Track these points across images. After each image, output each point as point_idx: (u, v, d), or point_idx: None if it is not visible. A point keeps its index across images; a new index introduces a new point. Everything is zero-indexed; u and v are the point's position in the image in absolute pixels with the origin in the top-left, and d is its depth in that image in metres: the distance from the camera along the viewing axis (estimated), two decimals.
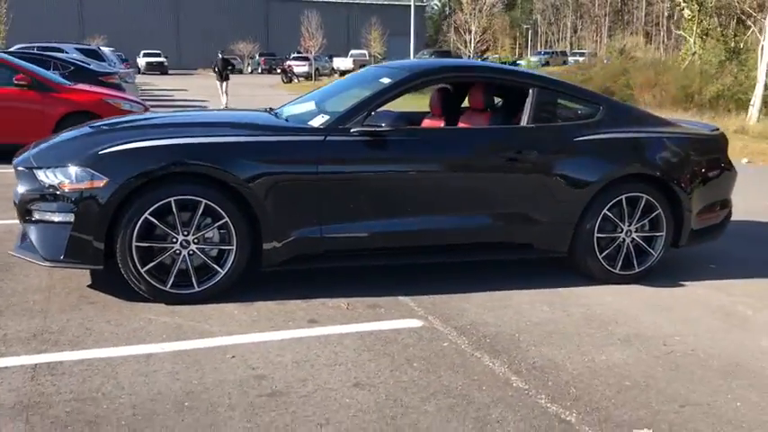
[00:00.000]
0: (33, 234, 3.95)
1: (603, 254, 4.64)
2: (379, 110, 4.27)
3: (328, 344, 3.53)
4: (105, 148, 3.89)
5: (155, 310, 3.88)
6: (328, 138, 4.13)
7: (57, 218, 3.86)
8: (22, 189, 3.98)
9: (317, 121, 4.28)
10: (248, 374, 3.14)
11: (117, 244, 3.84)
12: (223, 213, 3.94)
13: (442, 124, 5.13)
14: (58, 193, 3.85)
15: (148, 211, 3.83)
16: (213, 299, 4.03)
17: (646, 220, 4.73)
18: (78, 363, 3.19)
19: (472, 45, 23.98)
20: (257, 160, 3.97)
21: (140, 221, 3.83)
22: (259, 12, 67.24)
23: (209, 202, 3.91)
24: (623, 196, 4.61)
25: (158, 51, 53.16)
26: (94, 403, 2.81)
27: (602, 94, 5.09)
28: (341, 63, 49.74)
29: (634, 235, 4.71)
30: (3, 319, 3.69)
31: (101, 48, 21.16)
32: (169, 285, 3.95)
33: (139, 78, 38.00)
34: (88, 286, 4.20)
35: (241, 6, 67.24)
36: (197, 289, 3.99)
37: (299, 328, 3.73)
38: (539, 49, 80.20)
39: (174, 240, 3.94)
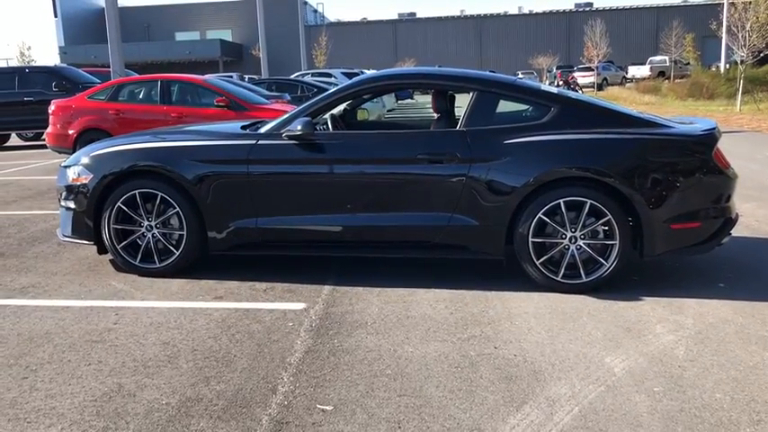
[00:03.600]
0: (60, 216, 5.28)
1: (542, 260, 4.49)
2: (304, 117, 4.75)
3: (198, 314, 4.18)
4: (96, 151, 5.06)
5: (121, 279, 4.92)
6: (260, 142, 4.76)
7: (70, 204, 5.11)
8: (57, 183, 5.33)
9: (264, 128, 4.92)
10: (102, 327, 3.97)
11: (101, 225, 4.96)
12: (175, 204, 4.83)
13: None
14: (71, 184, 5.10)
15: (120, 201, 4.89)
16: (174, 274, 4.93)
17: (598, 227, 4.45)
18: (18, 306, 4.35)
19: (747, 42, 21.29)
20: (197, 161, 4.78)
21: (115, 208, 4.90)
22: (561, 26, 66.91)
23: (164, 195, 4.83)
24: (561, 201, 4.41)
25: None
26: None
27: (565, 96, 4.82)
28: (636, 71, 47.37)
29: (581, 242, 4.46)
30: (24, 275, 5.06)
31: (363, 71, 23.63)
32: (138, 260, 4.96)
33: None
34: (110, 260, 5.40)
35: (544, 23, 67.70)
36: (158, 265, 4.94)
37: (199, 301, 4.44)
38: None
39: (141, 225, 4.94)
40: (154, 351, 3.62)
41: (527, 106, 4.78)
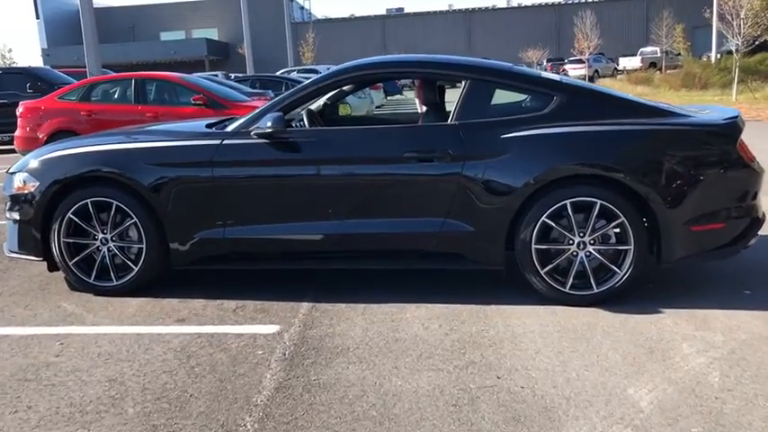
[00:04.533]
0: (7, 229, 4.70)
1: (547, 269, 3.96)
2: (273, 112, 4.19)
3: (155, 342, 3.63)
4: (43, 156, 4.49)
5: (73, 300, 4.37)
6: (225, 141, 4.21)
7: (16, 215, 4.54)
8: (2, 191, 4.76)
9: (231, 126, 4.37)
10: (41, 360, 3.42)
11: (50, 239, 4.39)
12: (132, 214, 4.27)
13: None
14: (16, 193, 4.53)
15: (70, 211, 4.32)
16: (133, 292, 4.37)
17: (610, 231, 3.93)
18: None
19: (741, 31, 20.82)
20: (155, 164, 4.22)
21: (65, 220, 4.34)
22: (551, 19, 66.43)
23: (119, 204, 4.27)
24: (567, 201, 3.89)
25: None
26: None
27: (569, 84, 4.29)
28: (627, 63, 46.90)
29: (590, 248, 3.93)
30: None
31: None
32: (92, 278, 4.40)
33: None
34: (65, 278, 4.83)
35: (533, 16, 67.25)
36: (115, 283, 4.38)
37: (159, 325, 3.89)
38: None
39: (95, 237, 4.38)
40: (97, 391, 3.07)
41: (527, 96, 4.26)
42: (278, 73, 23.25)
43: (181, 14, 67.38)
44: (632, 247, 3.88)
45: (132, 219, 4.27)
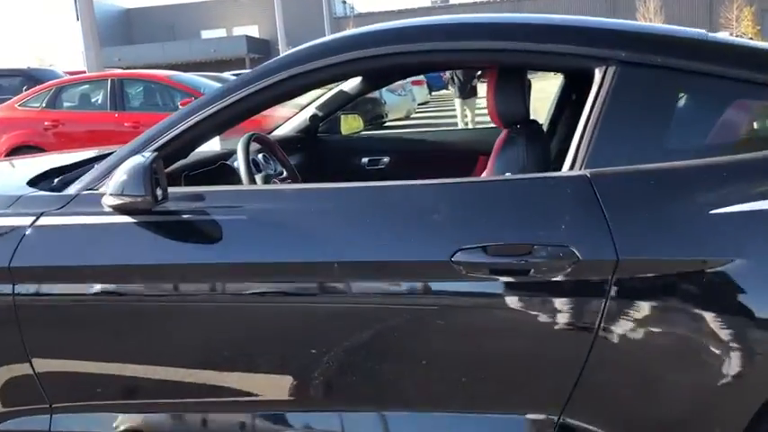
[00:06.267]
0: None
1: None
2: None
3: None
4: None
5: None
6: (42, 221, 1.84)
7: None
8: None
9: (76, 185, 1.99)
10: None
11: None
12: None
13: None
14: None
15: None
16: None
17: None
18: None
19: None
20: None
21: None
22: (605, 5, 62.78)
23: None
24: None
25: None
26: None
27: None
28: None
29: None
30: None
31: None
32: None
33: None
34: None
35: (587, 3, 63.77)
36: None
37: None
38: None
39: None
40: None
41: (752, 101, 1.76)
42: None
43: (221, 12, 66.18)
44: None
45: None
